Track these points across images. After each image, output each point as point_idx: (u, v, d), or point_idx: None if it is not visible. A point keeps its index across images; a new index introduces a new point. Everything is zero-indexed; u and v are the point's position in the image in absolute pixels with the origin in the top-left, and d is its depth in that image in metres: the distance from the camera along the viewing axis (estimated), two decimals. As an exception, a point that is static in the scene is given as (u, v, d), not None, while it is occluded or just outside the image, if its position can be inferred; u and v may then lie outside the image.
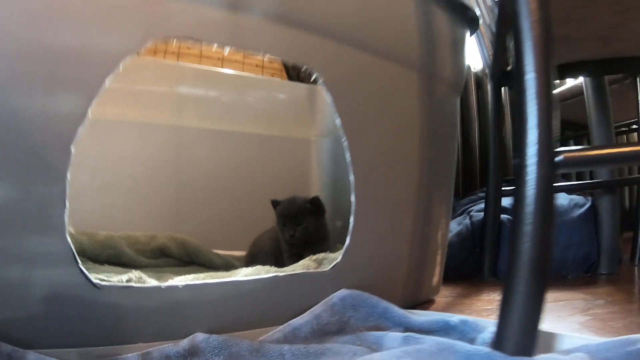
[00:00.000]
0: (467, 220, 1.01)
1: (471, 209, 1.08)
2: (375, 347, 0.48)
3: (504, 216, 1.01)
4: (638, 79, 1.24)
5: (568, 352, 0.45)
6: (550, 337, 0.50)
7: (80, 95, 0.38)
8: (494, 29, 0.96)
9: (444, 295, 0.83)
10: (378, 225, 0.57)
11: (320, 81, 0.49)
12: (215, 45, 0.43)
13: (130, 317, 0.42)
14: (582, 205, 1.06)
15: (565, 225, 1.03)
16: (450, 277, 0.99)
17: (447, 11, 0.71)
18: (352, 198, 0.53)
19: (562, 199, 1.07)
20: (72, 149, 0.37)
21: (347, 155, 0.51)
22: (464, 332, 0.53)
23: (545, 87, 0.42)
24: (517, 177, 0.42)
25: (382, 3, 0.59)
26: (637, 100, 1.24)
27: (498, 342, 0.42)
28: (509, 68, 0.99)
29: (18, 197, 0.37)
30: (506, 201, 1.05)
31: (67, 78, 0.38)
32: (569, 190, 1.12)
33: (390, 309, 0.54)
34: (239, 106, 1.12)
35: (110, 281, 0.43)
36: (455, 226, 1.02)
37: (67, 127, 0.37)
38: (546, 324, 0.55)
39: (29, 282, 0.38)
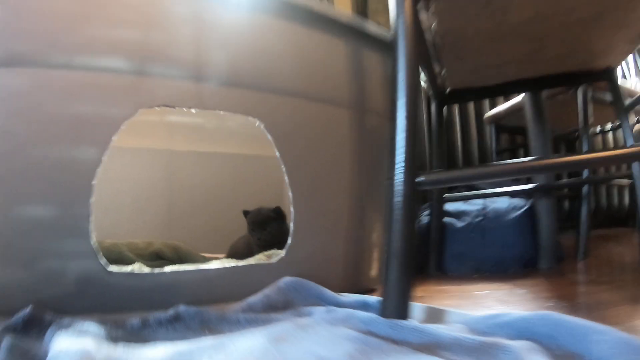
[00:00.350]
0: (417, 223, 1.23)
1: (421, 213, 1.29)
2: (307, 316, 0.70)
3: (447, 219, 1.23)
4: (578, 91, 1.45)
5: (451, 322, 0.66)
6: (441, 312, 0.71)
7: (96, 148, 0.60)
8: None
9: (388, 285, 1.04)
10: (314, 230, 0.80)
11: (262, 126, 0.72)
12: (185, 108, 0.66)
13: (133, 294, 0.64)
14: (520, 208, 1.26)
15: (504, 226, 1.23)
16: None
17: (378, 52, 0.92)
18: (291, 209, 0.75)
19: (502, 203, 1.27)
20: (94, 183, 0.60)
21: (286, 178, 0.74)
22: (377, 308, 0.74)
23: (410, 125, 0.62)
24: (388, 192, 0.63)
25: (318, 57, 0.81)
26: (578, 110, 1.45)
27: (382, 312, 0.63)
28: (447, 90, 1.20)
29: (61, 215, 0.59)
30: (450, 206, 1.27)
31: (86, 137, 0.61)
32: (510, 194, 1.33)
33: (324, 292, 0.76)
34: (221, 130, 1.35)
35: (119, 269, 0.65)
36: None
37: (89, 169, 0.60)
38: (460, 309, 0.75)
39: (66, 270, 0.61)
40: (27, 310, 0.60)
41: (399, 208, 0.60)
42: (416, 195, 0.61)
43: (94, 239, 0.62)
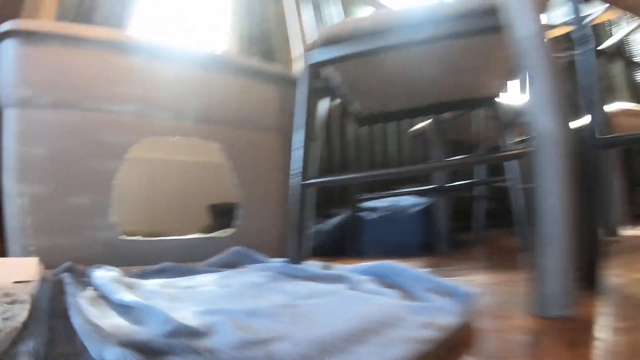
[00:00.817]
0: (340, 217, 1.67)
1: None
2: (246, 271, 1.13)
3: (364, 213, 1.68)
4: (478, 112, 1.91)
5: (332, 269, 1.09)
6: (329, 265, 1.15)
7: (116, 161, 1.02)
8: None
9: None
10: (255, 216, 1.23)
11: (219, 148, 1.15)
12: (172, 137, 1.08)
13: (136, 254, 1.06)
14: (421, 204, 1.71)
15: (407, 218, 1.67)
16: (325, 254, 1.61)
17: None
18: (239, 200, 1.19)
19: (407, 200, 1.72)
20: (114, 183, 1.02)
21: (235, 182, 1.17)
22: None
23: (304, 145, 1.06)
24: (291, 189, 1.06)
25: (258, 99, 1.25)
26: (473, 127, 1.92)
27: (287, 262, 1.07)
28: (364, 115, 1.64)
29: (93, 202, 1.01)
30: (368, 204, 1.71)
31: (110, 154, 1.03)
32: (414, 193, 1.78)
33: (260, 257, 1.19)
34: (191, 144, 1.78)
35: (128, 238, 1.08)
36: (334, 221, 1.68)
37: (111, 174, 1.02)
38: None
39: (95, 238, 1.03)
40: (67, 264, 1.01)
41: (294, 199, 1.03)
42: (306, 191, 1.05)
43: (113, 218, 1.04)
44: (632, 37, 3.00)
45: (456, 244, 1.74)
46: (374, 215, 1.66)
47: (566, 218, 0.71)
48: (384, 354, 0.49)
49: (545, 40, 0.78)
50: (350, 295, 0.79)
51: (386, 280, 0.96)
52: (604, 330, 0.63)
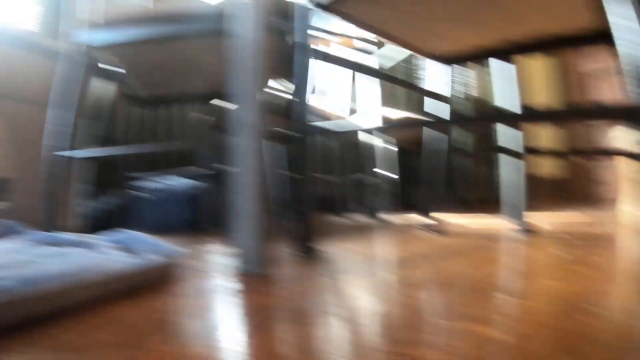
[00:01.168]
0: (115, 195, 1.93)
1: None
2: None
3: (139, 193, 1.96)
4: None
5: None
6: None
7: None
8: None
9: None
10: (28, 189, 1.44)
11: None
12: None
13: None
14: (192, 188, 2.03)
15: (177, 199, 1.99)
16: (100, 229, 1.86)
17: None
18: (11, 174, 1.39)
19: (179, 183, 2.04)
20: None
21: (8, 155, 1.37)
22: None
23: (66, 118, 1.31)
24: (43, 161, 1.31)
25: (38, 76, 1.45)
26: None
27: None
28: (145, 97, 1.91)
29: None
30: (145, 184, 1.99)
31: None
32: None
33: (19, 227, 1.40)
34: None
35: None
36: (109, 199, 1.93)
37: None
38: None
39: None
40: None
41: (46, 171, 1.27)
42: (60, 163, 1.29)
43: None
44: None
45: (222, 223, 2.09)
46: (148, 195, 1.94)
47: (253, 191, 0.96)
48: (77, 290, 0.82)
49: (254, 44, 0.99)
50: (79, 253, 1.08)
51: (123, 245, 1.26)
52: (296, 282, 0.92)
